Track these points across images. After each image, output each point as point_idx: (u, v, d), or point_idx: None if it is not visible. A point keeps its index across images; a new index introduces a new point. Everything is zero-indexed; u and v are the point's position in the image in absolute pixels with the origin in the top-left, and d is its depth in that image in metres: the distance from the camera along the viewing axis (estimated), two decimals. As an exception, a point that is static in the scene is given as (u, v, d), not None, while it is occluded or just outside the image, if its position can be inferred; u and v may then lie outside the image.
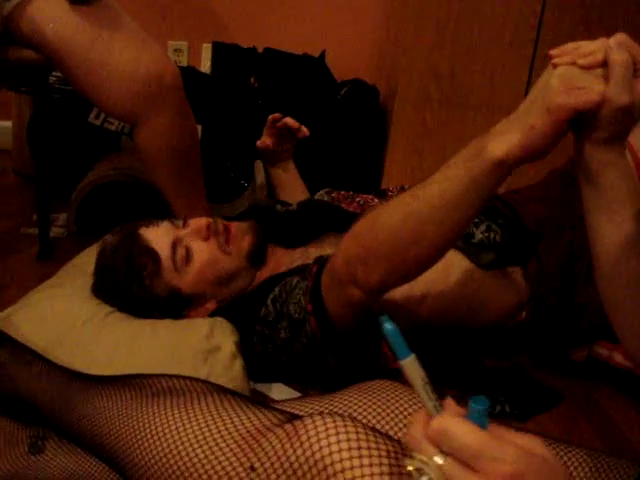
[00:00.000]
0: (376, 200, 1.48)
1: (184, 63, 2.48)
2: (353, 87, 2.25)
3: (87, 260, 1.36)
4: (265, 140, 1.61)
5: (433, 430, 0.50)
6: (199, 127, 2.08)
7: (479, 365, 1.36)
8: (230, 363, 1.15)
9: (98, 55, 1.46)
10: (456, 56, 2.14)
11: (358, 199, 1.48)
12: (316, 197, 1.53)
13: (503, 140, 0.81)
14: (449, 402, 0.52)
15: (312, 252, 1.31)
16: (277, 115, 1.58)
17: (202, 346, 1.15)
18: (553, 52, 0.79)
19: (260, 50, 2.26)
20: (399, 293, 1.19)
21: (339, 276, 1.04)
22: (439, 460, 0.50)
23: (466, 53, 2.14)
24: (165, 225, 1.26)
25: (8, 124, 2.40)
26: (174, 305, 1.24)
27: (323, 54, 2.27)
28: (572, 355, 1.37)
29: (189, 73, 2.14)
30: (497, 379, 1.34)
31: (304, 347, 1.16)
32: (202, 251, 1.24)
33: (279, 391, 1.25)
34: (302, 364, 1.21)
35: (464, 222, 0.90)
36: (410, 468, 0.51)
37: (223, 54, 2.26)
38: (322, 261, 1.13)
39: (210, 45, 2.34)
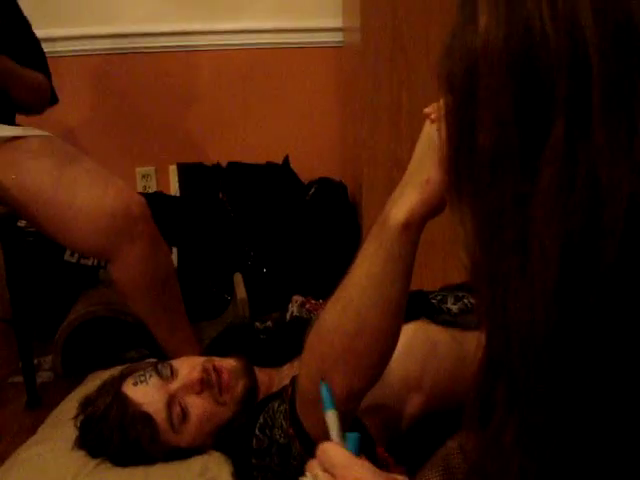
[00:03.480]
0: None
1: (153, 188, 2.52)
2: (320, 186, 2.30)
3: (70, 407, 1.34)
4: None
5: (318, 451, 0.68)
6: (175, 249, 2.10)
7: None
8: (228, 496, 1.12)
9: (63, 197, 1.48)
10: (413, 141, 2.17)
11: None
12: (290, 311, 1.52)
13: (402, 203, 0.80)
14: None
15: (299, 366, 1.28)
16: None
17: (197, 482, 1.12)
18: (427, 110, 0.80)
19: (224, 165, 2.30)
20: (396, 381, 1.16)
21: (309, 395, 0.99)
22: (319, 473, 0.66)
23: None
24: (154, 381, 1.21)
25: (-14, 272, 2.40)
26: (173, 459, 1.21)
27: (287, 159, 2.32)
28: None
29: (158, 198, 2.18)
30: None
31: (297, 470, 1.13)
32: (197, 407, 1.20)
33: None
34: None
35: (398, 295, 0.87)
36: None
37: (189, 174, 2.31)
38: (295, 382, 1.10)
39: (175, 167, 2.39)
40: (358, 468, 0.65)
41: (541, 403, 0.44)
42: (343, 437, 0.73)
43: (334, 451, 0.68)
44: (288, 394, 1.10)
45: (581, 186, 0.39)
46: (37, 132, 1.63)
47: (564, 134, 0.39)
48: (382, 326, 0.90)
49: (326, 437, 1.07)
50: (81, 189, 1.49)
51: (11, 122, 1.66)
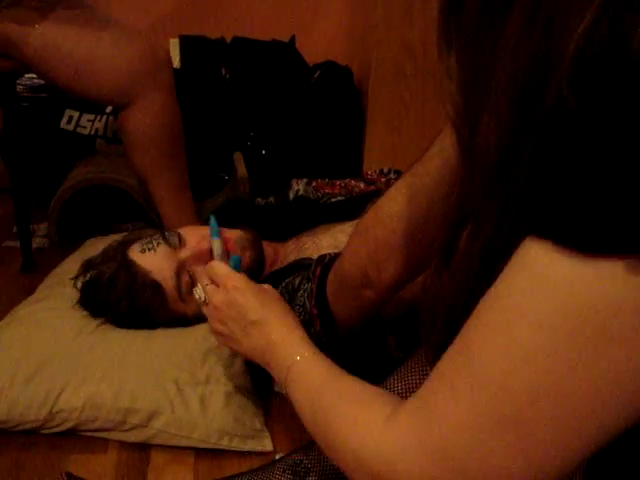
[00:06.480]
0: (353, 182, 1.45)
1: (152, 59, 2.43)
2: (326, 70, 2.22)
3: (70, 268, 1.33)
4: None
5: (207, 267, 0.97)
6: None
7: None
8: (230, 361, 1.13)
9: (90, 39, 1.45)
10: (427, 29, 2.11)
11: (338, 182, 1.45)
12: (295, 190, 1.49)
13: None
14: None
15: (305, 242, 1.28)
16: None
17: (200, 347, 1.14)
18: None
19: (228, 40, 2.22)
20: None
21: (349, 281, 0.96)
22: (207, 283, 0.95)
23: (436, 25, 2.11)
24: (162, 249, 1.20)
25: (-21, 137, 2.35)
26: (176, 325, 1.21)
27: (293, 39, 2.23)
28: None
29: (158, 70, 2.10)
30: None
31: None
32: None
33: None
34: None
35: None
36: (193, 290, 0.99)
37: (191, 47, 2.21)
38: (324, 262, 1.06)
39: (177, 40, 2.29)
40: (236, 278, 0.92)
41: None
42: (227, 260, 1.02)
43: (219, 267, 0.95)
44: (316, 275, 1.06)
45: (540, 27, 0.43)
46: None
47: None
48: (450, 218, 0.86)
49: (351, 321, 1.06)
50: (109, 32, 1.46)
51: None
